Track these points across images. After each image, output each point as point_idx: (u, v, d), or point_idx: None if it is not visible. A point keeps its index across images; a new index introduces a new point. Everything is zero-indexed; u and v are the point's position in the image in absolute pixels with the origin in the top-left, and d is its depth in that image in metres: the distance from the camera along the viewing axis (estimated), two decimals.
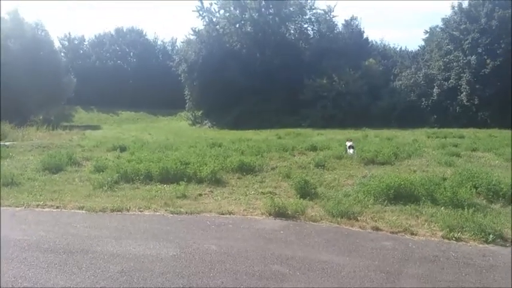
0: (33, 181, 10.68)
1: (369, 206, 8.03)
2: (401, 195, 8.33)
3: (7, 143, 18.49)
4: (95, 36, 71.92)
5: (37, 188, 9.84)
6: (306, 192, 8.90)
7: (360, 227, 6.99)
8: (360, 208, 7.80)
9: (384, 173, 10.70)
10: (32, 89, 42.18)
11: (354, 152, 13.79)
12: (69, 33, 71.45)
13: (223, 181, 10.50)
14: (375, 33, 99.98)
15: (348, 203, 7.99)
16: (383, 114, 37.93)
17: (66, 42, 70.69)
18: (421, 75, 40.12)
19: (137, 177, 10.61)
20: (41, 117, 44.17)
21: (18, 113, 34.27)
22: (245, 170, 11.49)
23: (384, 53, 49.69)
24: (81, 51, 71.25)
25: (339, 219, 7.31)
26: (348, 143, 14.58)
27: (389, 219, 7.25)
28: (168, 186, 9.93)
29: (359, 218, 7.36)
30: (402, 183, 8.44)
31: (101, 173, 11.15)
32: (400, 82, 41.18)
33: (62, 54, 64.35)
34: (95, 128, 41.00)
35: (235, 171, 11.45)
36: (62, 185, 10.36)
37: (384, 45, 52.61)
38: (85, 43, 72.48)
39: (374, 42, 51.75)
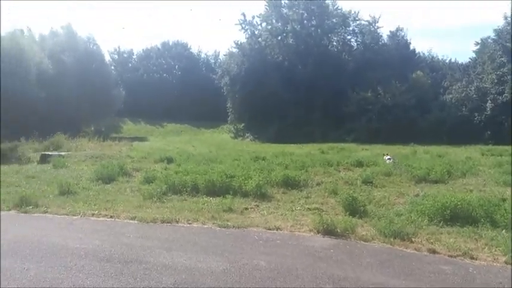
0: (88, 190, 11.09)
1: (424, 226, 7.73)
2: (458, 216, 7.99)
3: (62, 153, 19.24)
4: (143, 50, 74.21)
5: (91, 198, 10.19)
6: (354, 209, 8.74)
7: (415, 249, 6.75)
8: (413, 229, 7.51)
9: (437, 192, 10.34)
10: (84, 101, 43.70)
11: (392, 161, 13.46)
12: (119, 47, 73.89)
13: (268, 195, 10.52)
14: (422, 44, 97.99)
15: (401, 222, 7.70)
16: (432, 129, 36.61)
17: (116, 56, 73.00)
18: (473, 88, 38.51)
19: (184, 189, 10.82)
20: (92, 128, 45.73)
21: (71, 124, 35.54)
22: (290, 184, 11.49)
23: (432, 65, 48.31)
24: (130, 65, 73.32)
25: (391, 239, 7.08)
26: (386, 157, 14.29)
27: (446, 242, 6.97)
28: (214, 198, 10.06)
29: (413, 239, 7.11)
30: (459, 203, 8.07)
31: (150, 184, 11.49)
32: (451, 96, 39.69)
33: (112, 67, 66.30)
34: (142, 139, 41.92)
35: (280, 185, 11.46)
36: (115, 195, 10.70)
37: (432, 57, 51.36)
38: (133, 56, 74.62)
39: (421, 54, 50.59)
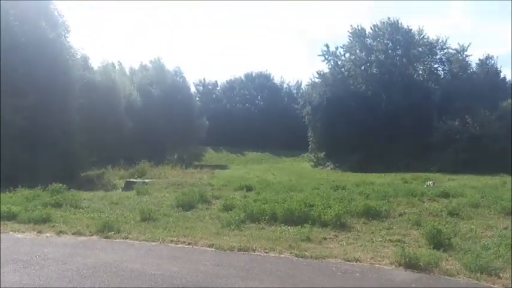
0: (168, 217, 11.33)
1: None
2: None
3: (146, 180, 20.05)
4: (226, 81, 76.68)
5: (171, 224, 10.40)
6: (439, 242, 8.28)
7: (503, 285, 6.31)
8: (501, 264, 7.04)
9: None
10: (169, 130, 45.59)
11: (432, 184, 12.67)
12: (204, 79, 76.77)
13: (348, 225, 10.23)
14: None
15: (488, 257, 7.26)
16: None
17: (201, 88, 75.89)
18: None
19: (263, 217, 10.76)
20: (175, 156, 47.41)
21: (156, 153, 37.13)
22: (371, 214, 11.10)
23: None
24: (214, 96, 75.85)
25: (478, 274, 6.64)
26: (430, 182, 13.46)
27: None
28: (292, 228, 9.91)
29: (501, 275, 6.63)
30: None
31: (229, 211, 11.57)
32: None
33: (197, 98, 68.82)
34: (223, 167, 42.79)
35: (361, 215, 11.11)
36: (194, 222, 10.87)
37: None
38: (217, 88, 77.14)
39: None
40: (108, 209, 12.50)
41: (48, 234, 9.47)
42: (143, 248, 8.29)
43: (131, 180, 20.20)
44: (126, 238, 9.10)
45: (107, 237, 9.17)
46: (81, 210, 12.35)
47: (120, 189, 18.75)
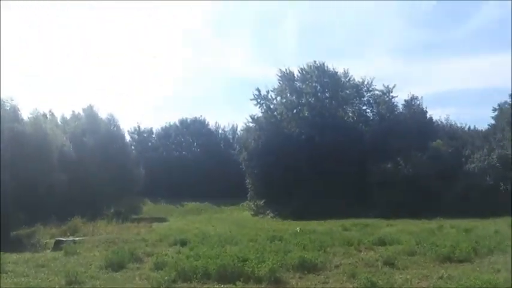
0: (96, 280, 10.71)
1: None
2: None
3: (77, 239, 19.01)
4: (162, 128, 75.20)
5: None
6: None
7: None
8: None
9: (462, 273, 9.75)
10: (105, 182, 43.82)
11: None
12: (139, 127, 74.90)
13: (283, 281, 10.03)
14: (438, 112, 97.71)
15: None
16: (457, 200, 35.05)
17: (136, 136, 74.19)
18: (495, 156, 37.33)
19: (195, 276, 10.38)
20: (112, 210, 45.59)
21: (91, 207, 35.45)
22: (307, 267, 11.03)
23: (452, 133, 47.05)
24: (150, 144, 74.32)
25: None
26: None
27: None
28: (225, 285, 9.61)
29: None
30: (484, 286, 7.62)
31: (160, 270, 11.06)
32: (473, 165, 38.39)
33: (132, 146, 67.15)
34: (162, 220, 41.55)
35: (296, 269, 10.98)
36: (122, 284, 10.36)
37: (451, 124, 50.24)
38: (153, 135, 75.88)
39: (439, 122, 49.42)
40: (33, 273, 11.72)
41: None
42: None
43: (61, 239, 19.03)
44: None
45: None
46: (3, 275, 11.43)
47: (49, 250, 17.61)
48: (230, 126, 76.53)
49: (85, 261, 13.31)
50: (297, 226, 26.04)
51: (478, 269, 10.58)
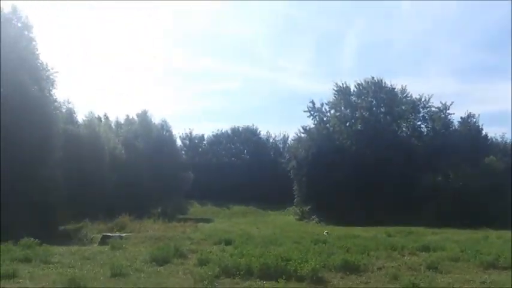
0: (140, 273, 10.93)
1: None
2: None
3: (123, 234, 19.60)
4: (213, 135, 76.64)
5: (142, 280, 10.03)
6: None
7: None
8: None
9: (506, 279, 9.49)
10: (154, 184, 45.07)
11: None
12: (190, 133, 76.51)
13: (324, 280, 10.01)
14: (494, 130, 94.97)
15: None
16: (505, 213, 34.21)
17: (187, 141, 75.78)
18: None
19: (238, 272, 10.48)
20: (159, 209, 46.68)
21: (139, 206, 36.45)
22: (349, 269, 10.95)
23: (505, 151, 46.30)
24: (200, 149, 75.76)
25: None
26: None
27: None
28: (267, 282, 9.65)
29: None
30: None
31: (204, 266, 11.21)
32: None
33: (183, 151, 68.64)
34: (208, 220, 42.15)
35: (339, 270, 10.92)
36: (166, 277, 10.52)
37: (505, 142, 49.16)
38: (204, 142, 77.23)
39: (494, 140, 48.73)
40: (78, 264, 12.09)
41: None
42: None
43: (107, 234, 19.68)
44: None
45: None
46: (50, 265, 11.90)
47: (96, 244, 18.25)
48: (281, 136, 77.37)
49: (130, 256, 13.65)
50: (341, 231, 25.86)
51: None
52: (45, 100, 26.90)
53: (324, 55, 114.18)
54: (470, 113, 47.46)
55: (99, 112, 49.40)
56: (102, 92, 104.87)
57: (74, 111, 39.07)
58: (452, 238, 20.89)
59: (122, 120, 54.00)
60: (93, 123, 41.51)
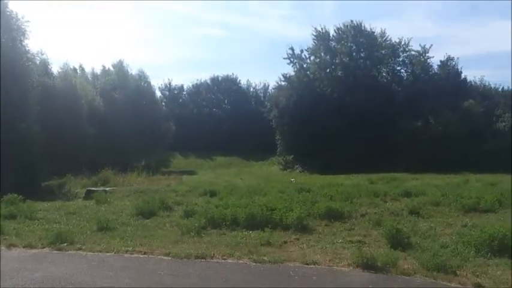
0: (127, 226, 10.98)
1: (470, 259, 7.29)
2: (506, 247, 7.50)
3: (107, 189, 19.53)
4: (192, 85, 75.53)
5: (129, 233, 10.08)
6: (398, 242, 8.31)
7: (460, 283, 6.32)
8: (459, 261, 7.10)
9: (486, 222, 9.77)
10: (135, 137, 44.66)
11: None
12: (169, 84, 75.45)
13: (310, 228, 10.18)
14: (473, 73, 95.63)
15: (446, 255, 7.29)
16: (486, 158, 34.82)
17: (166, 92, 74.81)
18: None
19: (224, 223, 10.63)
20: (142, 163, 46.61)
21: (121, 160, 36.30)
22: (333, 216, 11.10)
23: (485, 94, 46.42)
24: (180, 100, 74.99)
25: (435, 273, 6.64)
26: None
27: (492, 275, 6.51)
28: (253, 232, 9.80)
29: (458, 273, 6.67)
30: (507, 233, 7.62)
31: (190, 218, 11.31)
32: (504, 124, 38.44)
33: (163, 103, 67.83)
34: (192, 173, 42.37)
35: (323, 217, 11.08)
36: (153, 230, 10.59)
37: (484, 85, 49.30)
38: (183, 92, 76.35)
39: (473, 83, 48.67)
40: (64, 220, 12.06)
41: None
42: (96, 260, 8.00)
43: (92, 189, 19.57)
44: (79, 249, 8.77)
45: (59, 250, 8.81)
46: (36, 221, 11.85)
47: (81, 199, 18.21)
48: (262, 85, 76.57)
49: (116, 209, 13.66)
50: (324, 180, 26.19)
51: (502, 218, 10.52)
52: (17, 51, 25.87)
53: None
54: (449, 56, 47.34)
55: (74, 63, 48.22)
56: (75, 42, 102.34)
57: (49, 62, 37.77)
58: (433, 183, 21.25)
59: (98, 71, 52.87)
60: (69, 74, 40.42)
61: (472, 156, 35.91)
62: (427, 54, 47.66)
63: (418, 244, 8.30)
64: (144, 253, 8.38)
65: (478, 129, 38.66)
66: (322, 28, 49.56)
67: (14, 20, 26.17)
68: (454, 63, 47.18)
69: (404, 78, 49.51)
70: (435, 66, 48.02)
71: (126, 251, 8.50)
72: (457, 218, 10.88)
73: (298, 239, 9.31)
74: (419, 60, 47.76)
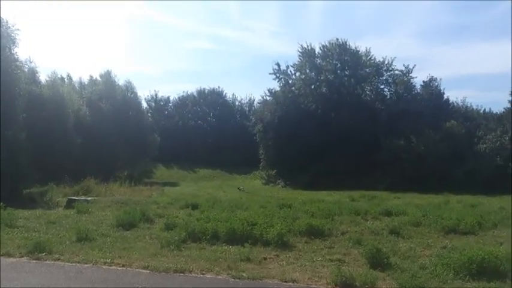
0: (106, 237, 10.91)
1: (448, 281, 7.35)
2: (485, 271, 7.58)
3: (89, 198, 19.40)
4: (179, 97, 75.61)
5: (108, 245, 10.02)
6: (377, 261, 8.38)
7: None
8: (437, 283, 7.18)
9: (466, 244, 9.89)
10: (120, 147, 44.59)
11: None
12: (156, 95, 75.42)
13: (290, 245, 10.21)
14: (455, 94, 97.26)
15: (424, 276, 7.39)
16: (467, 178, 35.47)
17: (153, 104, 74.68)
18: (508, 138, 37.95)
19: (204, 237, 10.60)
20: (125, 173, 46.31)
21: (105, 169, 36.11)
22: (314, 233, 11.16)
23: (466, 115, 47.28)
24: (166, 112, 74.93)
25: None
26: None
27: None
28: (233, 247, 9.79)
29: None
30: (486, 256, 7.69)
31: (170, 231, 11.30)
32: (485, 145, 38.93)
33: (149, 114, 67.83)
34: (174, 184, 42.22)
35: (304, 234, 11.14)
36: (133, 242, 10.53)
37: (466, 106, 50.20)
38: (170, 104, 76.29)
39: (455, 104, 49.47)
40: (44, 229, 11.96)
41: None
42: (73, 271, 7.94)
43: (73, 198, 19.42)
44: (58, 260, 8.69)
45: (37, 259, 8.74)
46: (15, 229, 11.75)
47: (62, 208, 18.03)
48: (247, 99, 76.92)
49: (96, 220, 13.58)
50: (306, 196, 26.29)
51: (481, 241, 10.67)
52: (5, 59, 25.72)
53: (293, 15, 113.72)
54: (432, 76, 47.93)
55: (61, 72, 48.10)
56: (64, 51, 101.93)
57: (37, 71, 37.93)
58: (414, 202, 21.51)
59: (85, 80, 52.88)
60: (57, 83, 40.27)
61: (453, 177, 36.44)
62: (410, 74, 48.30)
63: (397, 265, 8.35)
64: (123, 265, 8.34)
65: (459, 150, 39.14)
66: (308, 45, 50.11)
67: (4, 27, 26.05)
68: (436, 83, 47.83)
69: (388, 97, 49.98)
70: (418, 86, 48.66)
71: (105, 263, 8.45)
72: (437, 239, 10.98)
73: (278, 256, 9.31)
74: (403, 79, 48.30)
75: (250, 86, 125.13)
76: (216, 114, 73.03)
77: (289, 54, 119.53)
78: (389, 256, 8.74)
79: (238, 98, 76.76)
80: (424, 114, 43.09)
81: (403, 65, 48.62)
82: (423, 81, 48.15)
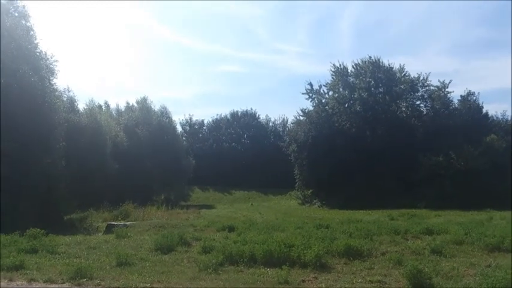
0: (145, 261, 10.99)
1: None
2: None
3: (128, 223, 19.71)
4: (213, 120, 76.80)
5: (147, 269, 10.09)
6: (419, 282, 8.16)
7: None
8: None
9: (511, 262, 9.52)
10: (156, 171, 45.39)
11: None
12: (190, 119, 76.84)
13: (328, 266, 10.06)
14: (494, 107, 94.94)
15: None
16: (508, 193, 34.12)
17: (187, 127, 75.96)
18: None
19: (241, 260, 10.55)
20: (162, 196, 46.95)
21: (142, 194, 36.77)
22: (352, 254, 10.95)
23: (506, 129, 45.90)
24: (200, 135, 75.97)
25: None
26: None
27: None
28: (271, 269, 9.72)
29: None
30: None
31: (208, 254, 11.31)
32: None
33: (184, 138, 68.86)
34: (210, 207, 42.43)
35: (342, 255, 10.94)
36: (171, 265, 10.58)
37: (506, 120, 48.81)
38: (204, 127, 77.35)
39: (495, 118, 48.20)
40: (84, 254, 12.16)
41: (18, 282, 9.14)
42: None
43: (112, 223, 19.80)
44: (99, 285, 8.79)
45: (78, 285, 8.84)
46: (57, 256, 11.97)
47: (101, 233, 18.37)
48: (280, 120, 77.32)
49: (135, 244, 13.74)
50: (343, 216, 25.99)
51: None
52: (45, 90, 26.74)
53: (322, 36, 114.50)
54: (469, 91, 46.84)
55: (99, 100, 49.56)
56: (101, 79, 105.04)
57: (75, 99, 39.35)
58: (455, 220, 20.94)
59: (122, 107, 54.28)
60: (94, 111, 41.54)
61: (495, 192, 35.28)
62: (446, 89, 47.52)
63: (440, 285, 8.13)
64: None
65: (500, 165, 38.08)
66: (340, 64, 50.25)
67: (44, 60, 27.15)
68: (474, 97, 46.75)
69: (424, 112, 49.24)
70: (455, 101, 47.77)
71: (144, 287, 8.51)
72: (480, 258, 10.63)
73: (316, 278, 9.17)
74: (439, 95, 47.54)
75: (279, 107, 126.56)
76: (250, 136, 73.65)
77: (317, 74, 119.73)
78: (431, 276, 8.52)
79: (272, 119, 77.37)
80: (463, 129, 42.17)
81: (439, 80, 48.20)
82: (460, 96, 47.21)
